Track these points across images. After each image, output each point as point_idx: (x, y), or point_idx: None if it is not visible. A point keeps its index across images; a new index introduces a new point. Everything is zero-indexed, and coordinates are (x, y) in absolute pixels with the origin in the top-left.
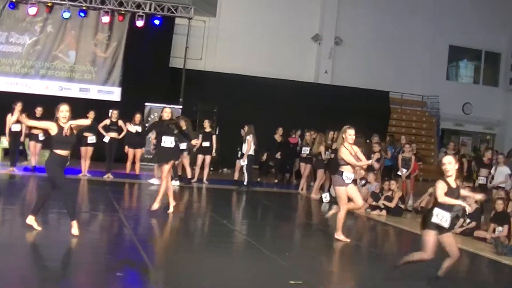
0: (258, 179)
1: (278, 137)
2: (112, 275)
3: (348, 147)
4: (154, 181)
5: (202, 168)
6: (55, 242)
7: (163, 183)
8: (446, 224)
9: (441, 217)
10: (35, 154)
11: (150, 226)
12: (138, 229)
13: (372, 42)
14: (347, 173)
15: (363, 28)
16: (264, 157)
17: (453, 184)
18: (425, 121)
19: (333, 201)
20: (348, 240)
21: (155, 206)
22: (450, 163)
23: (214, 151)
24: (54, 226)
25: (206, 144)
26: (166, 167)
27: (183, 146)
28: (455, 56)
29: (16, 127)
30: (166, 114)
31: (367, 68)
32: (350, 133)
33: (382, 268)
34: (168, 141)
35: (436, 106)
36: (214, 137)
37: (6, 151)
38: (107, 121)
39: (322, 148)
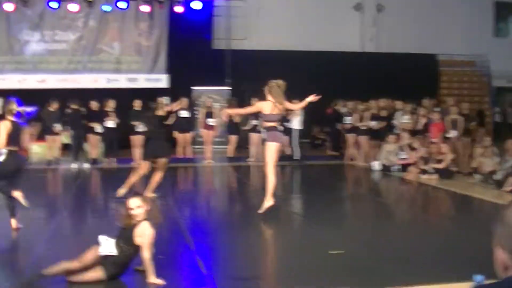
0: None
1: (339, 108)
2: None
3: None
4: None
5: None
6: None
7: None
8: None
9: None
10: (95, 147)
11: (198, 208)
12: (186, 211)
13: (415, 6)
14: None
15: None
16: (316, 130)
17: None
18: (476, 81)
19: (384, 169)
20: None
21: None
22: None
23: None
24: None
25: (256, 122)
26: None
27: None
28: (502, 12)
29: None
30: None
31: (412, 33)
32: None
33: (431, 237)
34: None
35: (486, 64)
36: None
37: (64, 146)
38: None
39: (357, 117)
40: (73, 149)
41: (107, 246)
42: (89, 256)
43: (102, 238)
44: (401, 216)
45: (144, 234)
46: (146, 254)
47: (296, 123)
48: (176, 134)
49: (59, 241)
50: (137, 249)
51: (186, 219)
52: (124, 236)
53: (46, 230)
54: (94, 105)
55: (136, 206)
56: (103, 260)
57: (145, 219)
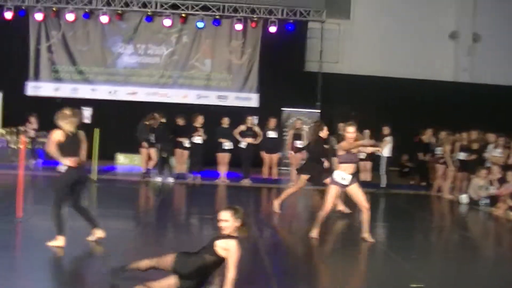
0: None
1: (426, 138)
2: None
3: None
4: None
5: None
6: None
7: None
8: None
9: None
10: (181, 162)
11: (279, 230)
12: (266, 233)
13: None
14: (341, 173)
15: (502, 23)
16: (405, 158)
17: None
18: None
19: (471, 203)
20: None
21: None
22: None
23: None
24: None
25: None
26: None
27: None
28: None
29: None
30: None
31: (509, 65)
32: (349, 131)
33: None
34: None
35: None
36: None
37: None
38: (242, 127)
39: (447, 148)
40: (158, 163)
41: None
42: (168, 259)
43: None
44: (485, 252)
45: (227, 250)
46: (231, 273)
47: (385, 150)
48: (263, 154)
49: (135, 254)
50: (216, 261)
51: (265, 240)
52: (209, 243)
53: (124, 242)
54: (180, 120)
55: (224, 219)
56: (177, 265)
57: (233, 237)
